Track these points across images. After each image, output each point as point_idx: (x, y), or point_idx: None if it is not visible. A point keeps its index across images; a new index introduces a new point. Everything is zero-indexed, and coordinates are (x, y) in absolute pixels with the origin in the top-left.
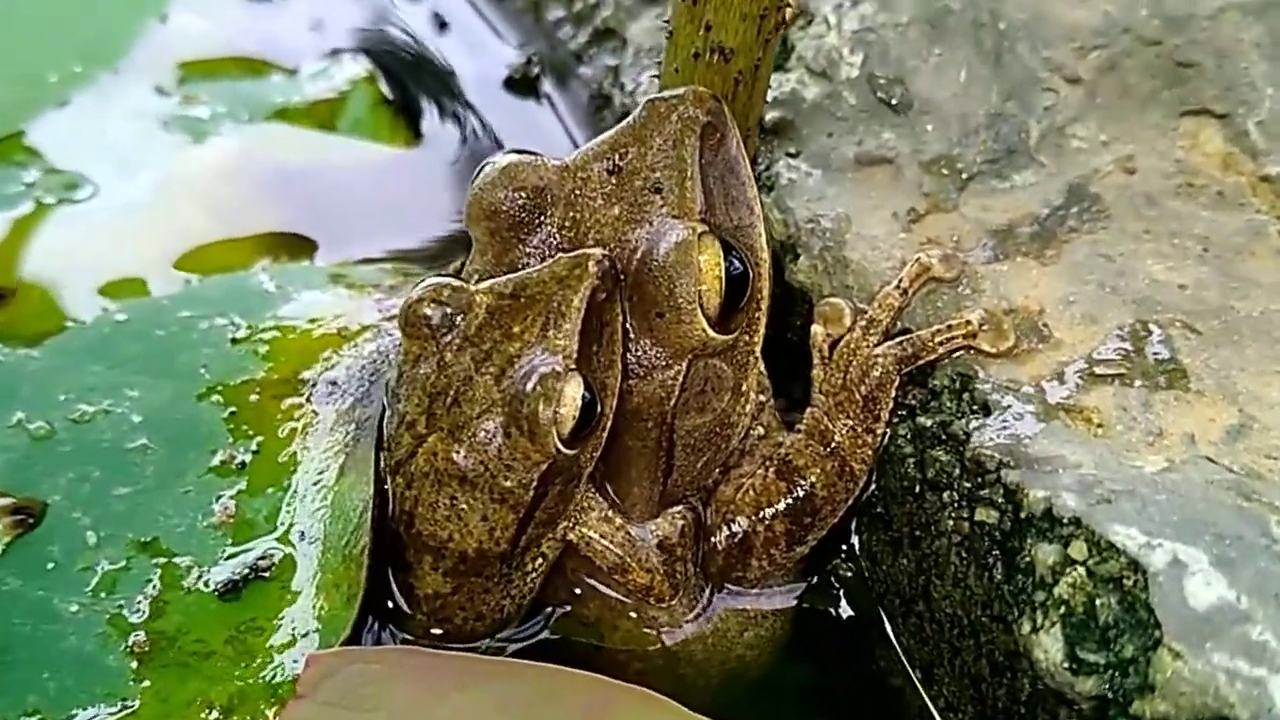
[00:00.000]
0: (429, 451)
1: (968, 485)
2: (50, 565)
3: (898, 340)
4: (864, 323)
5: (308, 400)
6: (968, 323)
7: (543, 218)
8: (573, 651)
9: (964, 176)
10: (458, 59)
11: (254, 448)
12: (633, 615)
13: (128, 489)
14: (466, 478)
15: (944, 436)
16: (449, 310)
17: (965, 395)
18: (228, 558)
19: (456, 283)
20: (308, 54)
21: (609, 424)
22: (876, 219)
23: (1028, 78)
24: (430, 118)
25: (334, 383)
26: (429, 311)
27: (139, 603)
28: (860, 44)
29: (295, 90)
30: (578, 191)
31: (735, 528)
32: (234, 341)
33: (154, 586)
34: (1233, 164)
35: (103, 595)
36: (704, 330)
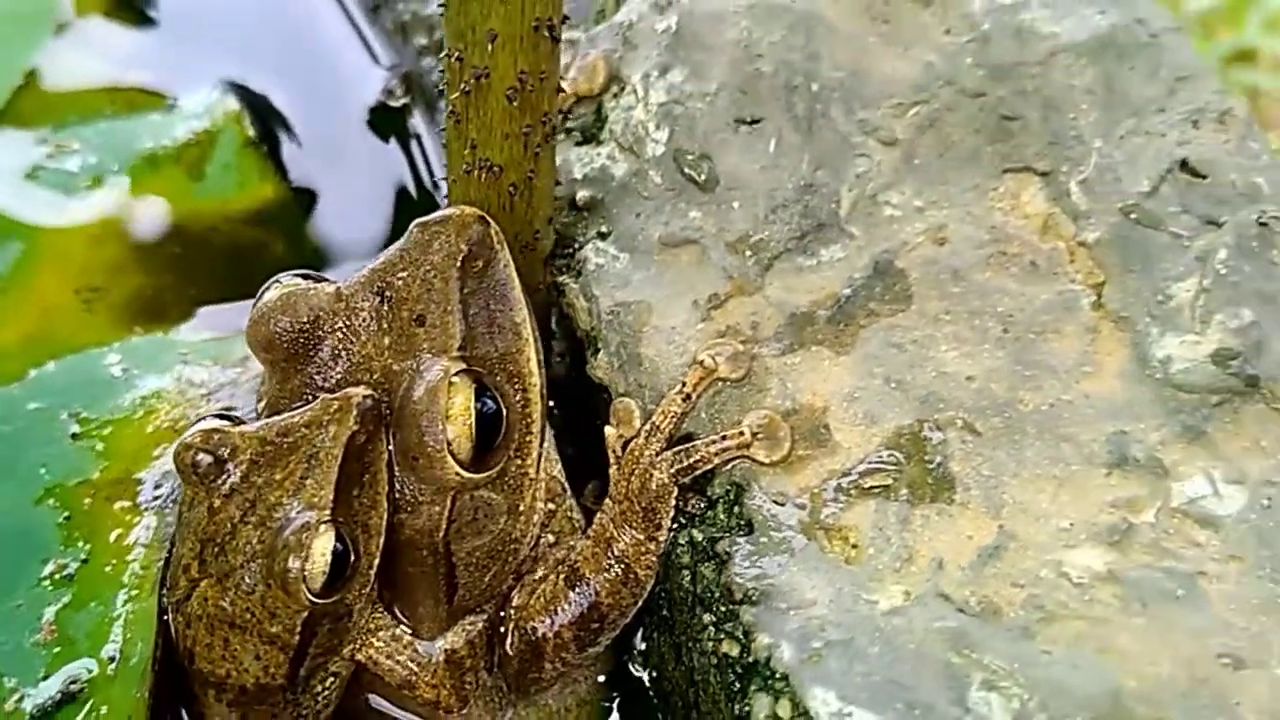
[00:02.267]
0: (201, 596)
1: (723, 610)
2: None
3: (676, 450)
4: (647, 429)
5: (135, 504)
6: (741, 433)
7: (317, 347)
8: None
9: (770, 256)
10: (332, 88)
11: (83, 556)
12: None
13: None
14: (235, 623)
15: (712, 553)
16: (216, 455)
17: (736, 508)
18: (44, 678)
19: (225, 426)
20: (192, 82)
21: (374, 562)
22: (677, 307)
23: (840, 144)
24: (297, 161)
25: (158, 485)
26: (199, 458)
27: None
28: (667, 118)
29: (167, 131)
30: (350, 320)
31: (526, 634)
32: (74, 437)
33: None
34: (1052, 227)
35: None
36: (457, 473)
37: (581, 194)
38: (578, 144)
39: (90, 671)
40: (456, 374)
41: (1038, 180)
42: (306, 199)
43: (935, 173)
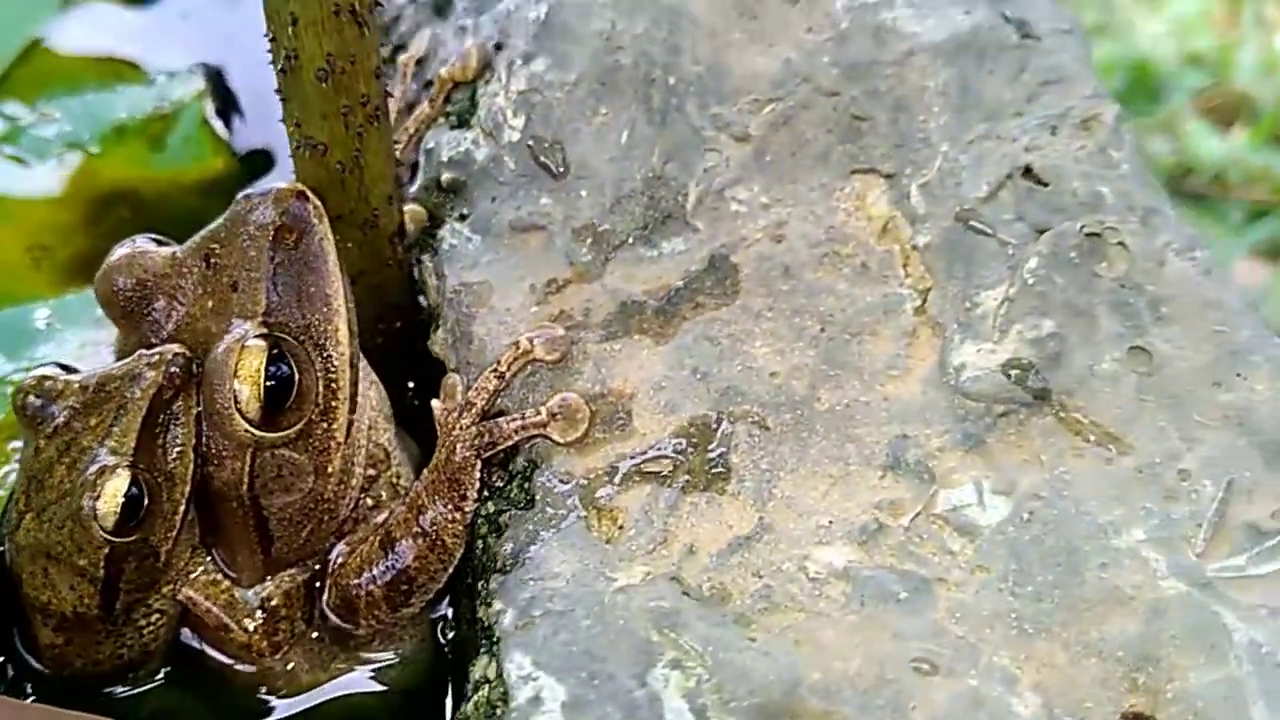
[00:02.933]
0: (25, 528)
1: (486, 578)
2: None
3: (480, 426)
4: (462, 404)
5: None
6: (539, 413)
7: (151, 306)
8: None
9: (612, 245)
10: None
11: None
12: (252, 666)
13: None
14: (50, 554)
15: (496, 524)
16: (45, 400)
17: (525, 484)
18: None
19: (56, 374)
20: (174, 60)
21: (178, 508)
22: (516, 290)
23: (692, 137)
24: (244, 137)
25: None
26: (29, 400)
27: None
28: (525, 105)
29: (139, 105)
30: (179, 283)
31: (342, 590)
32: None
33: None
34: (891, 230)
35: None
36: (246, 430)
37: (446, 176)
38: (451, 128)
39: None
40: (254, 337)
41: (882, 183)
42: (253, 172)
43: (785, 170)
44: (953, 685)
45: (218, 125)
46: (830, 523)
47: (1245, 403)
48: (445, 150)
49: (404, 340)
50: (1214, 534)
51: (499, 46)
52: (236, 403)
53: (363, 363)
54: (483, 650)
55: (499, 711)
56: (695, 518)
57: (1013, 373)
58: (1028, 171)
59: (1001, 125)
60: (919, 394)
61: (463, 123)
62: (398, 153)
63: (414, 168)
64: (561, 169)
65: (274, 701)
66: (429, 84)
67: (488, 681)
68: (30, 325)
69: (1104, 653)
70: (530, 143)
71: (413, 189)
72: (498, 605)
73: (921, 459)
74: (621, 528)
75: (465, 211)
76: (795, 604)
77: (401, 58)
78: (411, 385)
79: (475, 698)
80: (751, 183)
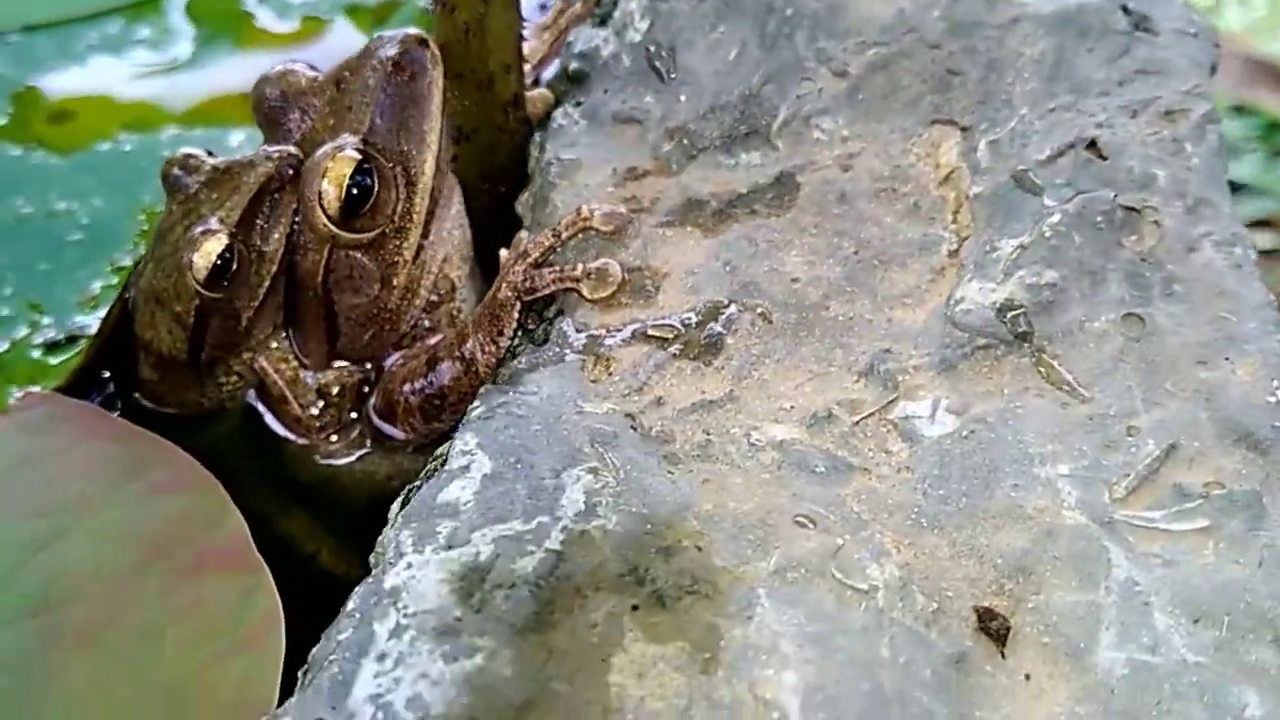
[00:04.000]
0: (146, 275)
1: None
2: None
3: (527, 273)
4: (520, 253)
5: None
6: (575, 269)
7: (288, 116)
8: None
9: (697, 148)
10: None
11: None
12: (302, 440)
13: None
14: (158, 298)
15: (511, 353)
16: (184, 173)
17: (547, 327)
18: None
19: (198, 153)
20: None
21: (264, 282)
22: (600, 171)
23: (794, 65)
24: None
25: None
26: (175, 172)
27: None
28: (652, 11)
29: None
30: (313, 101)
31: (385, 396)
32: None
33: None
34: (952, 179)
35: None
36: (325, 225)
37: (573, 66)
38: (592, 26)
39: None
40: (351, 148)
41: (957, 134)
42: None
43: (872, 110)
44: (822, 540)
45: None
46: (791, 408)
47: (1221, 382)
48: (579, 44)
49: (506, 203)
50: (1139, 486)
51: None
52: (321, 199)
53: (454, 206)
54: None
55: (434, 471)
56: (676, 379)
57: (1004, 313)
58: (1092, 144)
59: (1084, 101)
60: (919, 322)
61: (602, 22)
62: (546, 44)
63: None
64: (670, 73)
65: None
66: None
67: (438, 456)
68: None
69: (984, 558)
70: (650, 46)
71: (548, 76)
72: (475, 406)
73: (893, 372)
74: (610, 374)
75: (580, 99)
76: (724, 459)
77: None
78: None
79: (427, 469)
80: (838, 115)
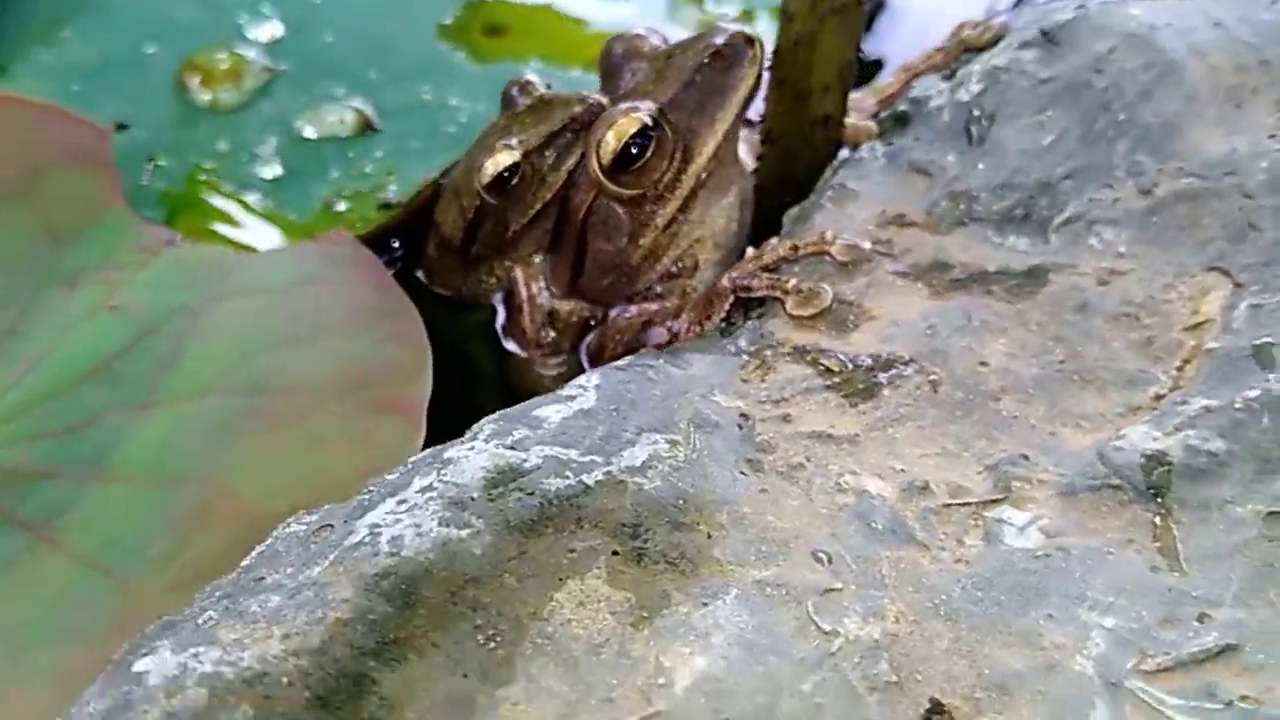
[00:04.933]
0: (458, 169)
1: None
2: None
3: (748, 270)
4: (754, 254)
5: None
6: (790, 281)
7: (622, 75)
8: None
9: (972, 216)
10: None
11: None
12: (524, 354)
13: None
14: (455, 189)
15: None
16: (517, 94)
17: (736, 323)
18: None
19: (534, 81)
20: None
21: (536, 202)
22: (870, 209)
23: (1103, 168)
24: None
25: None
26: (511, 92)
27: None
28: (989, 78)
29: None
30: (645, 66)
31: (599, 339)
32: None
33: None
34: (1200, 329)
35: None
36: (595, 172)
37: (901, 108)
38: (940, 77)
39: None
40: (643, 111)
41: (1229, 288)
42: None
43: (1159, 235)
44: (822, 578)
45: None
46: (900, 470)
47: None
48: (918, 90)
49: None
50: (1173, 667)
51: (1003, 35)
52: (599, 147)
53: (729, 197)
54: None
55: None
56: (814, 406)
57: (1151, 463)
58: None
59: None
60: (1078, 446)
61: (949, 76)
62: (898, 83)
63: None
64: (980, 140)
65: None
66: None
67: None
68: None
69: (975, 663)
70: (974, 109)
71: (884, 114)
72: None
73: (1016, 477)
74: (762, 381)
75: (891, 140)
76: (800, 484)
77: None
78: None
79: None
80: (1123, 230)
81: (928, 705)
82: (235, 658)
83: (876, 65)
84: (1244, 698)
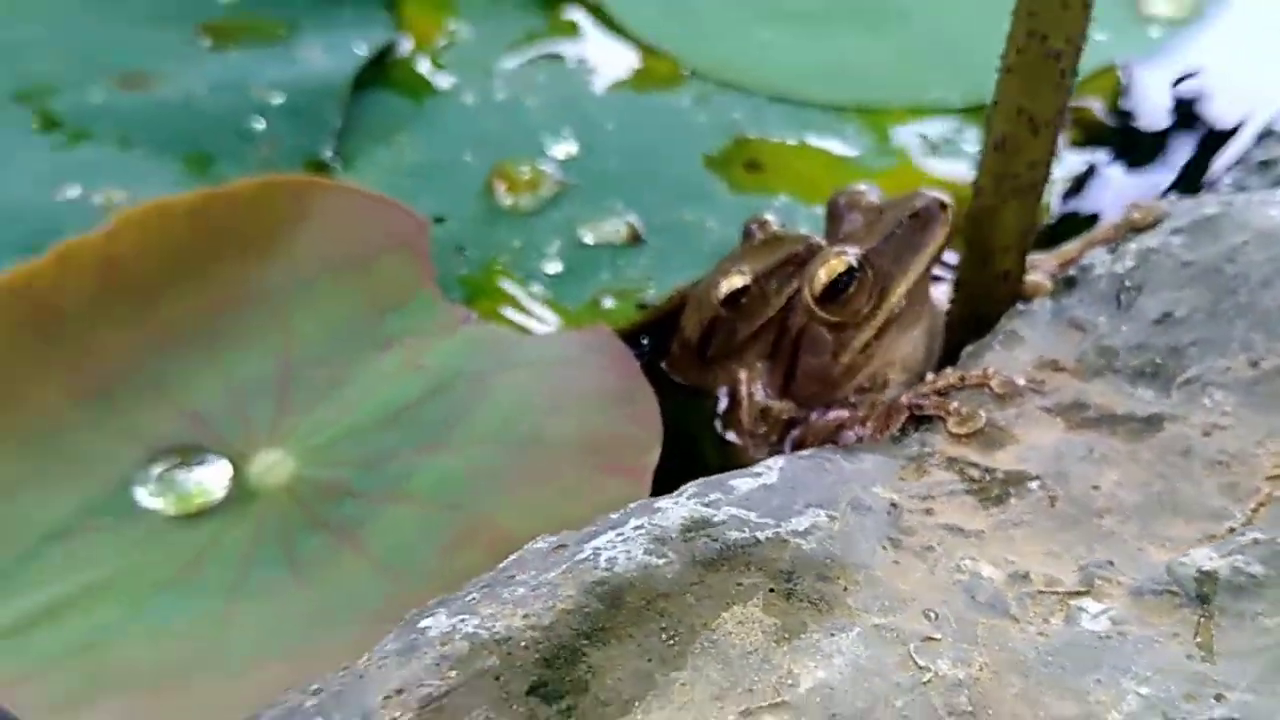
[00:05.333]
0: (702, 284)
1: None
2: None
3: (923, 391)
4: (930, 379)
5: None
6: (953, 404)
7: (843, 220)
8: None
9: (1112, 368)
10: None
11: None
12: (739, 441)
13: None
14: (698, 301)
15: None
16: (755, 230)
17: (910, 435)
18: None
19: (770, 220)
20: None
21: (757, 321)
22: (1031, 352)
23: (1221, 340)
24: None
25: None
26: (750, 227)
27: None
28: (1141, 256)
29: None
30: (862, 216)
31: (802, 434)
32: None
33: None
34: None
35: None
36: (808, 300)
37: (1070, 272)
38: (1106, 250)
39: None
40: (851, 254)
41: None
42: None
43: (1260, 404)
44: (928, 628)
45: None
46: (1012, 560)
47: None
48: (1086, 259)
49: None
50: None
51: (1162, 220)
52: (812, 280)
53: (917, 330)
54: None
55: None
56: (953, 505)
57: (1203, 577)
58: None
59: None
60: (1156, 560)
61: (1113, 249)
62: (1077, 250)
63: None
64: (1128, 306)
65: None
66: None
67: None
68: None
69: (1036, 705)
70: (1126, 280)
71: (1060, 275)
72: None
73: (1101, 577)
74: (916, 480)
75: (1060, 298)
76: (926, 559)
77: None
78: None
79: None
80: (1230, 394)
81: None
82: (489, 625)
83: (1094, 218)
84: None
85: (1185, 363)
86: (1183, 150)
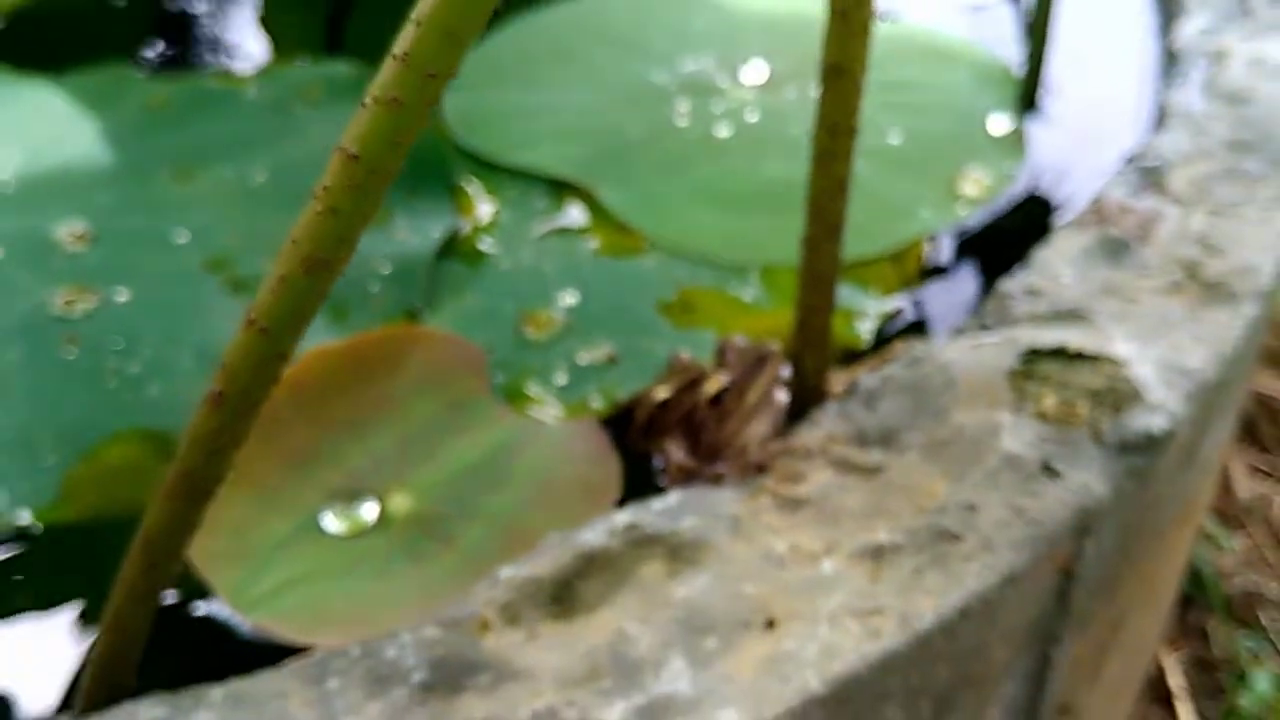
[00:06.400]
0: None
1: None
2: None
3: (764, 454)
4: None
5: None
6: (781, 463)
7: (724, 354)
8: None
9: (865, 441)
10: None
11: None
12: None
13: None
14: (643, 402)
15: None
16: (676, 361)
17: None
18: None
19: (683, 354)
20: None
21: (677, 414)
22: (821, 432)
23: None
24: None
25: None
26: (672, 359)
27: None
28: (884, 380)
29: None
30: (736, 358)
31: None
32: None
33: None
34: None
35: None
36: (703, 405)
37: None
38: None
39: None
40: (723, 380)
41: None
42: None
43: None
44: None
45: None
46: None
47: None
48: (858, 378)
49: None
50: None
51: None
52: (705, 394)
53: (766, 424)
54: None
55: None
56: (766, 514)
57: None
58: None
59: None
60: None
61: (873, 372)
62: (856, 372)
63: None
64: (870, 406)
65: None
66: None
67: None
68: None
69: None
70: (874, 391)
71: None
72: None
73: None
74: (748, 495)
75: (839, 400)
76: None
77: None
78: None
79: None
80: (922, 461)
81: None
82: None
83: (887, 344)
84: None
85: (898, 436)
86: (965, 294)
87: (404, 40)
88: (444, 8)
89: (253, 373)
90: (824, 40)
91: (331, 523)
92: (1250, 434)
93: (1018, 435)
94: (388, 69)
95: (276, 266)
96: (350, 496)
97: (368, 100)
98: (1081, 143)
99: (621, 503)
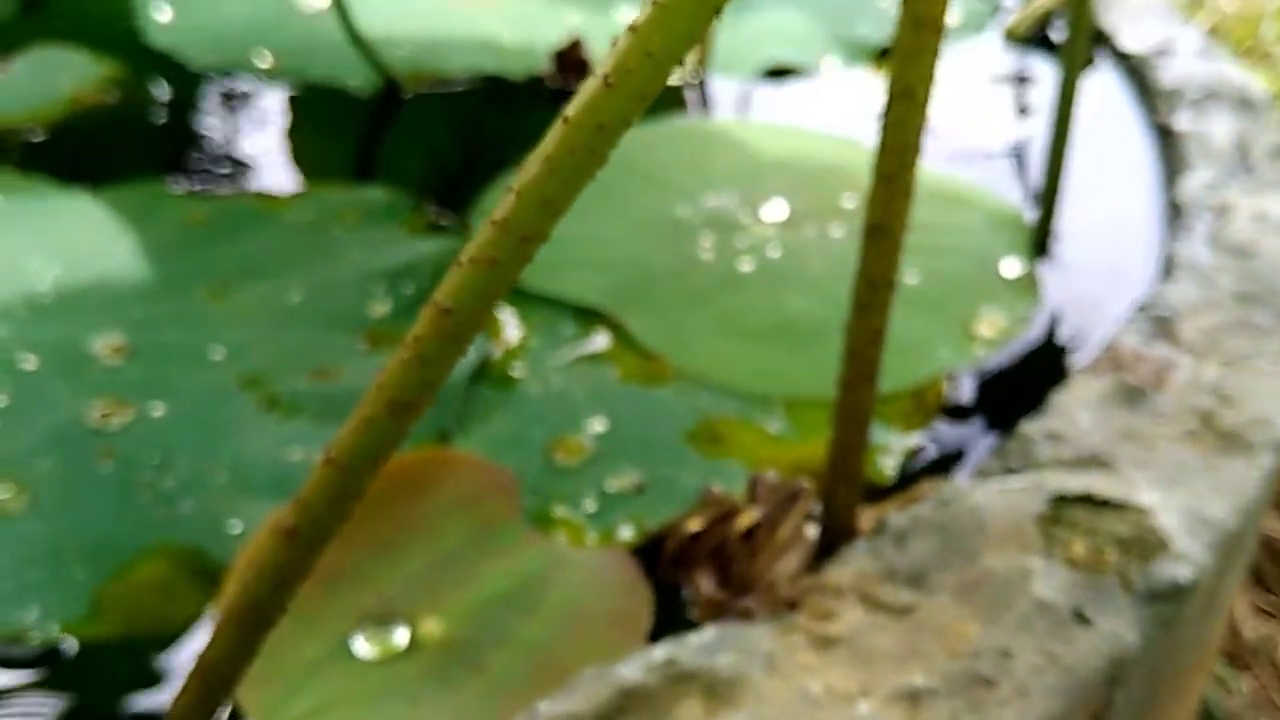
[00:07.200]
0: None
1: None
2: None
3: (795, 590)
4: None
5: None
6: (812, 600)
7: (755, 488)
8: None
9: (896, 579)
10: None
11: None
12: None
13: None
14: (674, 533)
15: None
16: (707, 493)
17: None
18: None
19: (716, 488)
20: None
21: (708, 547)
22: (852, 569)
23: None
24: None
25: None
26: (705, 491)
27: None
28: (913, 519)
29: None
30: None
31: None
32: None
33: None
34: None
35: None
36: (734, 539)
37: None
38: None
39: None
40: (756, 515)
41: None
42: None
43: None
44: None
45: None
46: None
47: None
48: (886, 516)
49: None
50: None
51: None
52: (738, 529)
53: (795, 559)
54: None
55: None
56: (800, 652)
57: None
58: None
59: None
60: None
61: (902, 510)
62: (884, 510)
63: None
64: (900, 545)
65: None
66: None
67: None
68: None
69: None
70: (903, 530)
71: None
72: None
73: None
74: (781, 632)
75: (867, 537)
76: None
77: None
78: None
79: None
80: (953, 604)
81: None
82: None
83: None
84: None
85: (929, 577)
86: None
87: (503, 207)
88: (543, 179)
89: (327, 508)
90: (868, 201)
91: (363, 647)
92: (1254, 574)
93: (1049, 581)
94: (485, 232)
95: (360, 408)
96: (381, 620)
97: (463, 260)
98: (1090, 288)
99: (652, 634)
